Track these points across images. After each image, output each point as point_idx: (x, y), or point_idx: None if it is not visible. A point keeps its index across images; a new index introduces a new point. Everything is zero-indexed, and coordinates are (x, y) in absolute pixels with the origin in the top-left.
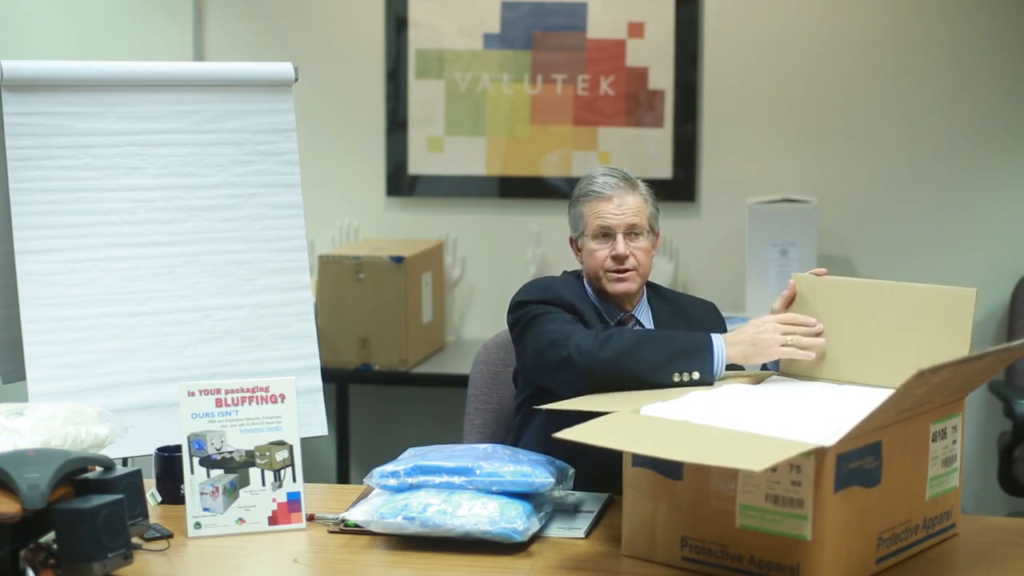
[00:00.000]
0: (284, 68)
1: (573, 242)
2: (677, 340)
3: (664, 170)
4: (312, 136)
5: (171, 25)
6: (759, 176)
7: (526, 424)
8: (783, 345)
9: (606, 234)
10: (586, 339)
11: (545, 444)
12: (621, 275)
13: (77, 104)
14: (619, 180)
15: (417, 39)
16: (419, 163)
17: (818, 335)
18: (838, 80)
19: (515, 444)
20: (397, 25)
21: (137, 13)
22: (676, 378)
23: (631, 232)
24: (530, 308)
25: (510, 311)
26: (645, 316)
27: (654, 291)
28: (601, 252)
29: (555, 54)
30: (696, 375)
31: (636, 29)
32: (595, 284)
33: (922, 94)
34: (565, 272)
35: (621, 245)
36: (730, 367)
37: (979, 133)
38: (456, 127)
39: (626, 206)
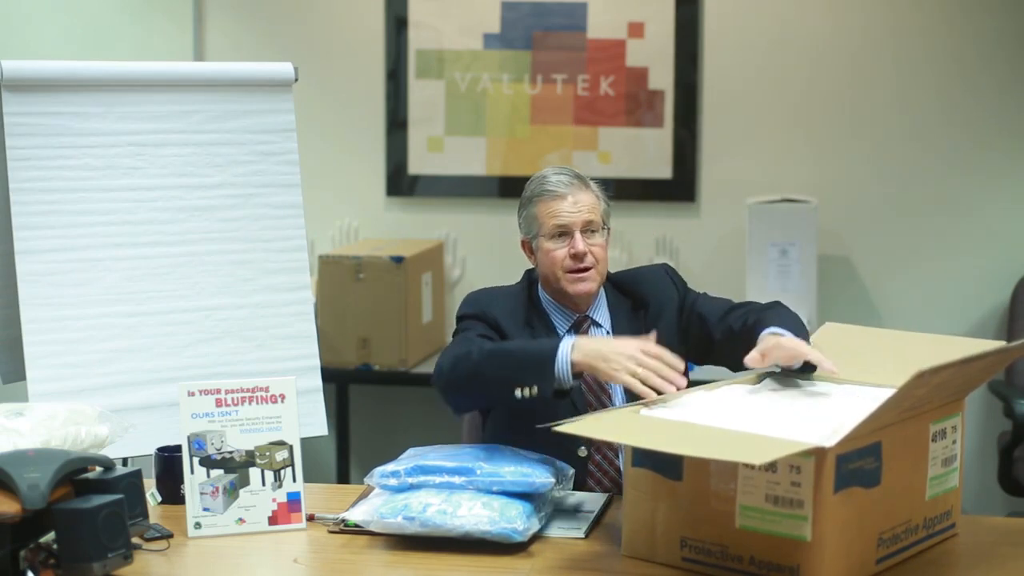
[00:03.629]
0: (284, 68)
1: (526, 245)
2: (518, 355)
3: (664, 170)
4: (312, 136)
5: (171, 25)
6: (759, 176)
7: (484, 419)
8: (629, 374)
9: (563, 233)
10: (447, 359)
11: (498, 438)
12: (580, 274)
13: (77, 104)
14: (571, 178)
15: (417, 39)
16: (419, 163)
17: (677, 380)
18: (838, 80)
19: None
20: (397, 25)
21: (137, 13)
22: (518, 394)
23: (587, 229)
24: (460, 324)
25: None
26: (603, 316)
27: (611, 285)
28: (558, 252)
29: (555, 54)
30: (535, 390)
31: (636, 29)
32: (553, 285)
33: (922, 94)
34: (527, 272)
35: (580, 243)
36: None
37: (979, 133)
38: (456, 127)
39: (581, 203)
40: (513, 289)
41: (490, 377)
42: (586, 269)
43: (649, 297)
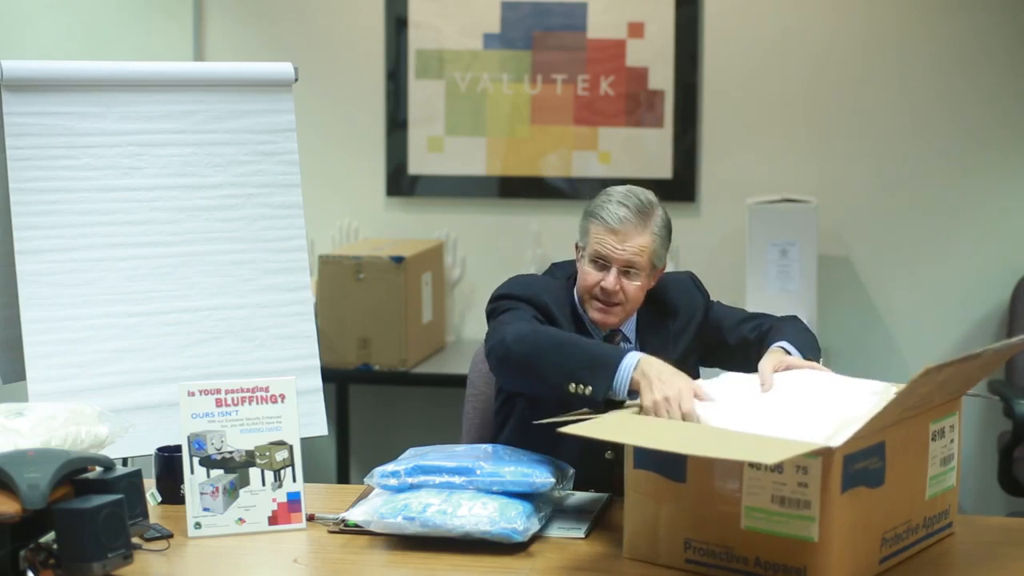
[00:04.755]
0: (284, 68)
1: (578, 248)
2: (585, 350)
3: (664, 170)
4: (312, 136)
5: (171, 25)
6: (759, 176)
7: (505, 416)
8: (653, 407)
9: (602, 262)
10: (512, 332)
11: (523, 437)
12: (605, 307)
13: (77, 104)
14: (633, 215)
15: (417, 39)
16: (419, 163)
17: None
18: (838, 80)
19: (496, 435)
20: (397, 25)
21: (137, 13)
22: (572, 388)
23: (627, 269)
24: (504, 302)
25: (490, 301)
26: (631, 329)
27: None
28: (591, 277)
29: (555, 54)
30: (589, 390)
31: (636, 29)
32: (581, 303)
33: (922, 94)
34: (554, 265)
35: (611, 280)
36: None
37: (979, 133)
38: (456, 127)
39: (629, 243)
40: (557, 283)
41: (551, 364)
42: (613, 304)
43: (679, 306)
